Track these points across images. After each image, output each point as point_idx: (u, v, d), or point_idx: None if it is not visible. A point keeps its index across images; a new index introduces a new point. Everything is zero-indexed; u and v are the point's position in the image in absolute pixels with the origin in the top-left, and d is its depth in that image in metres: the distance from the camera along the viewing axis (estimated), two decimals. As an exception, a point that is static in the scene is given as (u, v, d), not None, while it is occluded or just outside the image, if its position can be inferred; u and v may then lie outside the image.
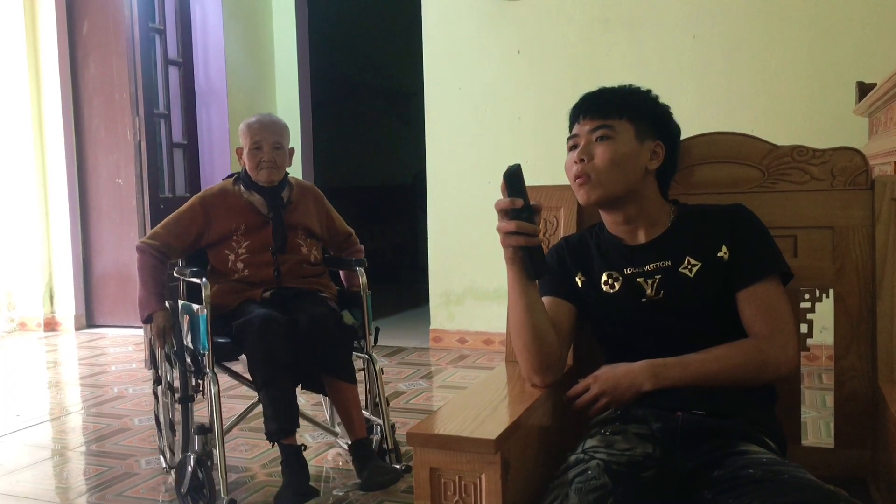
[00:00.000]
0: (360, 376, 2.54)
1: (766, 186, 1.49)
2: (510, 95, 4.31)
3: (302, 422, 2.41)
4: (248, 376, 2.45)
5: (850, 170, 1.44)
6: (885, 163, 2.48)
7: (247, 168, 2.57)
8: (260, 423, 3.05)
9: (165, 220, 2.57)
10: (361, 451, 2.36)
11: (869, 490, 1.35)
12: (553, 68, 4.21)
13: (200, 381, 2.42)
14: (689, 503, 1.17)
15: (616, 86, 1.44)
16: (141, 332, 4.55)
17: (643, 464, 1.22)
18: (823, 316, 1.48)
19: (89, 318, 5.54)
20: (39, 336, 5.35)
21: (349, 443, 2.40)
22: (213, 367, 2.32)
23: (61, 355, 4.81)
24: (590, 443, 1.28)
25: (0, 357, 4.82)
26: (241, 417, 2.58)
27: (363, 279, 2.58)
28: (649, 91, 1.45)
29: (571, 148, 1.42)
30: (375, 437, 2.59)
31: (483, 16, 4.34)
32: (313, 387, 2.46)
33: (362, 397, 2.61)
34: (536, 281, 1.36)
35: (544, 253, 1.34)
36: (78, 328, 5.45)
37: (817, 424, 2.92)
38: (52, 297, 5.54)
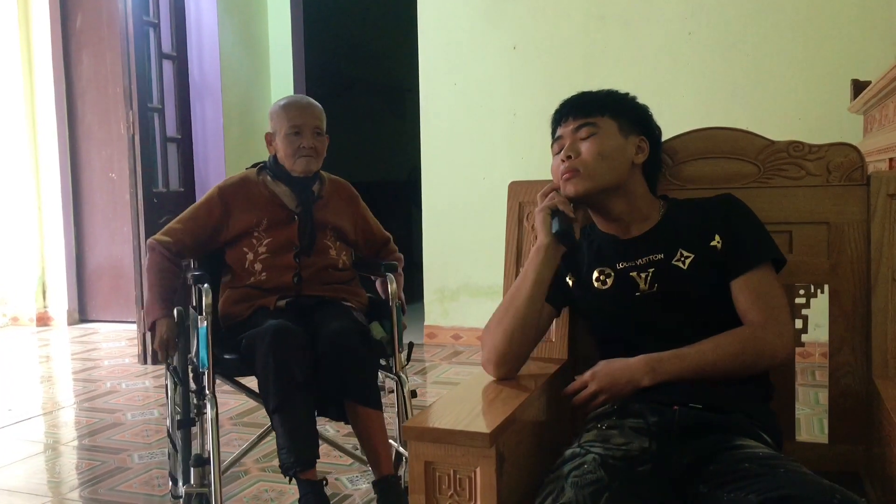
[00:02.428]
0: (390, 398, 2.27)
1: (761, 182, 1.49)
2: (506, 92, 4.31)
3: (325, 448, 2.16)
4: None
5: (845, 166, 1.45)
6: (880, 160, 2.49)
7: (280, 155, 2.25)
8: (252, 417, 3.07)
9: (182, 214, 2.28)
10: (388, 490, 2.01)
11: (863, 484, 1.35)
12: (549, 64, 4.20)
13: (204, 404, 2.10)
14: (684, 497, 1.17)
15: (595, 90, 1.47)
16: (134, 327, 4.54)
17: (639, 458, 1.22)
18: (817, 313, 1.49)
19: (82, 312, 5.52)
20: (32, 331, 5.33)
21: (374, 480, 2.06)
22: (212, 388, 2.02)
23: (54, 350, 4.79)
24: (586, 437, 1.28)
25: (-8, 352, 4.80)
26: (250, 448, 2.34)
27: (392, 286, 2.25)
28: (628, 93, 1.47)
29: (557, 151, 1.44)
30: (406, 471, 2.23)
31: (479, 11, 4.33)
32: (334, 413, 2.07)
33: (392, 425, 2.32)
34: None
35: (573, 229, 1.39)
36: (70, 323, 5.43)
37: (810, 421, 2.93)
38: (44, 292, 5.52)
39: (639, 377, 1.30)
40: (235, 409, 3.19)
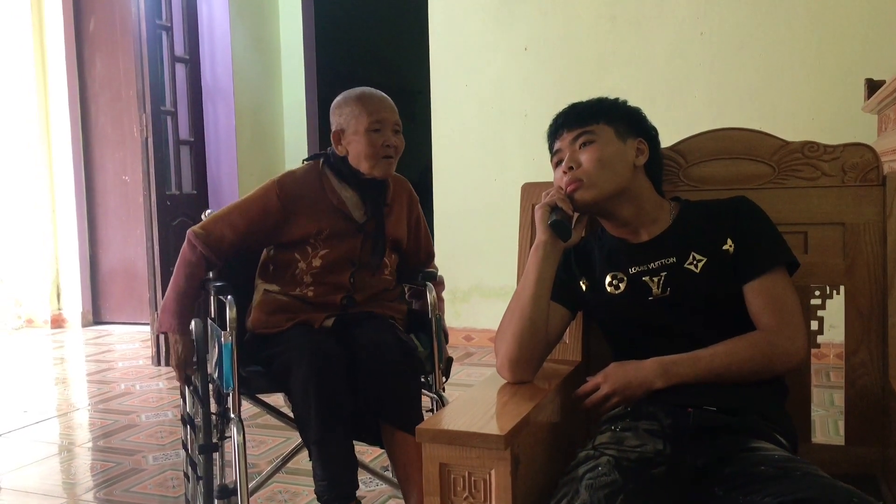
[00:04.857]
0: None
1: (776, 183, 1.48)
2: (517, 93, 4.31)
3: None
4: (287, 411, 2.03)
5: (861, 166, 1.44)
6: (895, 160, 2.47)
7: (354, 155, 1.93)
8: (266, 419, 3.07)
9: (229, 207, 1.96)
10: None
11: (879, 487, 1.34)
12: (560, 65, 4.20)
13: (225, 427, 1.94)
14: (699, 500, 1.17)
15: (585, 100, 1.48)
16: (147, 329, 4.57)
17: (654, 460, 1.22)
18: (832, 314, 1.48)
19: (96, 314, 5.55)
20: (46, 333, 5.37)
21: None
22: (238, 411, 1.81)
23: (68, 352, 4.82)
24: (600, 439, 1.28)
25: (7, 353, 4.84)
26: (274, 471, 2.19)
27: (432, 296, 2.02)
28: (618, 98, 1.47)
29: (557, 164, 1.44)
30: None
31: (490, 13, 4.33)
32: (368, 436, 1.85)
33: None
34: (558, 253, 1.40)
35: (571, 225, 1.40)
36: (84, 325, 5.47)
37: (825, 423, 2.91)
38: (58, 294, 5.55)
39: (651, 379, 1.29)
40: (249, 409, 3.20)
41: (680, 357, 1.30)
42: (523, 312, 1.36)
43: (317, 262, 1.93)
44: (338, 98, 1.99)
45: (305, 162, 2.04)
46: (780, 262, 1.34)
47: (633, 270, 1.40)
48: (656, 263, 1.38)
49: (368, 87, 2.00)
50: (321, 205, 1.94)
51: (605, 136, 1.39)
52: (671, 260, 1.37)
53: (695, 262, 1.36)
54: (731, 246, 1.35)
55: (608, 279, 1.42)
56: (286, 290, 1.95)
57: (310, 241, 1.93)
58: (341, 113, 1.95)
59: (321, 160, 2.00)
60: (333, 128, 1.96)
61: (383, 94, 1.99)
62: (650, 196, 1.43)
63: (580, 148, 1.39)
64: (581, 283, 1.46)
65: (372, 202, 1.98)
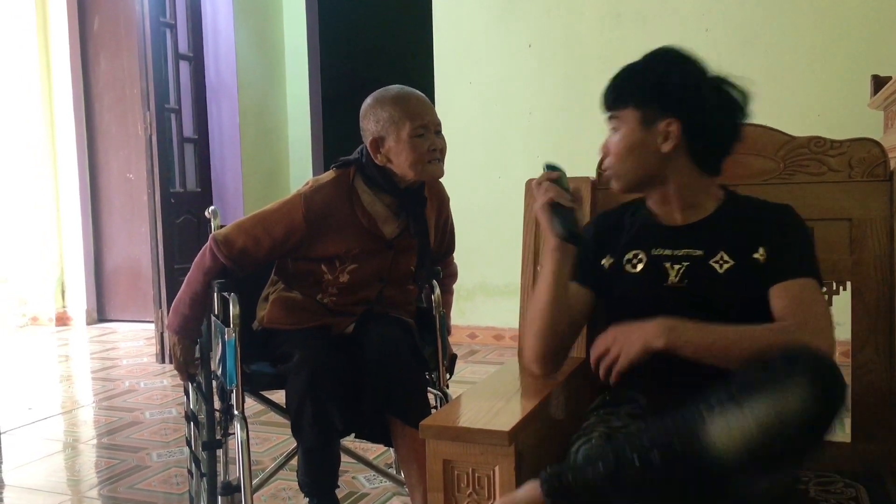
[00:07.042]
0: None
1: (782, 178, 1.48)
2: (521, 90, 4.30)
3: (356, 464, 2.15)
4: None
5: (868, 161, 1.43)
6: (901, 156, 2.45)
7: (398, 162, 1.79)
8: (270, 416, 3.07)
9: (253, 219, 1.85)
10: None
11: (886, 485, 1.33)
12: (564, 63, 4.19)
13: (228, 424, 1.93)
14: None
15: (631, 64, 1.42)
16: (152, 326, 4.57)
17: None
18: (839, 310, 1.46)
19: (100, 312, 5.56)
20: (51, 330, 5.38)
21: None
22: (242, 408, 1.78)
23: (73, 349, 4.83)
24: (586, 424, 1.30)
25: (12, 351, 4.85)
26: (277, 468, 2.19)
27: (436, 293, 1.98)
28: (664, 59, 1.40)
29: None
30: None
31: (494, 10, 4.33)
32: (373, 434, 1.82)
33: None
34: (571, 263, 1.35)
35: (577, 222, 1.32)
36: (89, 323, 5.48)
37: (831, 420, 2.89)
38: (63, 292, 5.57)
39: (653, 336, 1.18)
40: (253, 406, 3.20)
41: (689, 321, 1.19)
42: (542, 314, 1.35)
43: (344, 278, 1.86)
44: (369, 101, 1.83)
45: (335, 168, 1.89)
46: (811, 274, 1.27)
47: (655, 252, 1.35)
48: (682, 251, 1.33)
49: (401, 87, 1.86)
50: (350, 226, 1.83)
51: (631, 122, 1.33)
52: (698, 252, 1.32)
53: (720, 262, 1.30)
54: (762, 255, 1.29)
55: (628, 256, 1.38)
56: (307, 294, 1.89)
57: (338, 256, 1.85)
58: (377, 119, 1.79)
59: (350, 167, 1.87)
60: (370, 136, 1.81)
61: (419, 92, 1.86)
62: (689, 181, 1.34)
63: (611, 131, 1.37)
64: (605, 261, 1.41)
65: (412, 217, 1.87)
